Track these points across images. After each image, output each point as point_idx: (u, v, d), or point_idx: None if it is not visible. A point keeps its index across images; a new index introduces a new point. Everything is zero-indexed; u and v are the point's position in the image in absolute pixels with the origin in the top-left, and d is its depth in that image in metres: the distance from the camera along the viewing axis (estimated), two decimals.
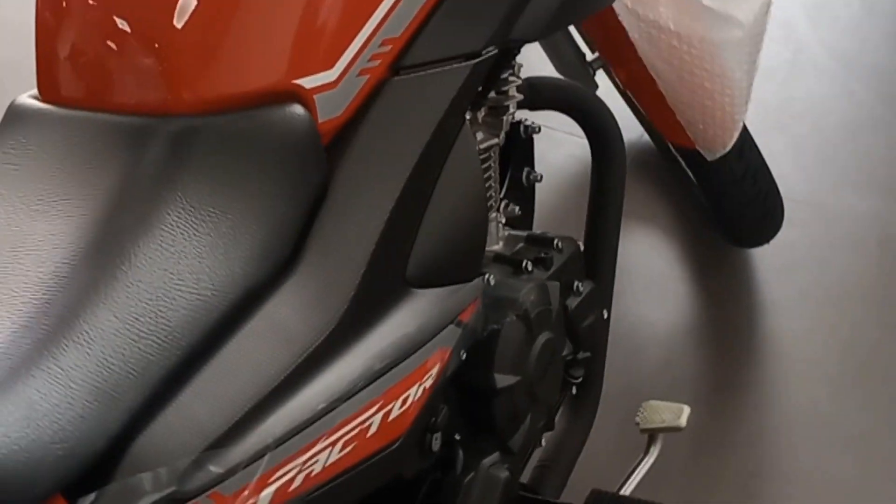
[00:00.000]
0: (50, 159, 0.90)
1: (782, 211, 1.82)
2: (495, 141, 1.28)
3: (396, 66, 1.01)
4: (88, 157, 0.90)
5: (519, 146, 1.43)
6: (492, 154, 1.31)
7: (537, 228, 1.41)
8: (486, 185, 1.30)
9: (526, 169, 1.43)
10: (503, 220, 1.36)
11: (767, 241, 1.84)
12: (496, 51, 1.10)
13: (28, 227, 0.85)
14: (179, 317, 0.82)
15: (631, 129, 1.79)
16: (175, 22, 0.91)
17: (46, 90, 0.97)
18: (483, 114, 1.28)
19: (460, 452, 1.13)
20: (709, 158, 1.58)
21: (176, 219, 0.86)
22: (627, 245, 2.01)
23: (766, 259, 1.90)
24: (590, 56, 1.77)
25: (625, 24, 1.44)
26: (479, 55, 1.07)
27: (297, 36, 0.94)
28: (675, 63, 1.45)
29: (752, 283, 1.91)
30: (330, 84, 0.96)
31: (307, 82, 0.95)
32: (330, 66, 0.96)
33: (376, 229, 0.97)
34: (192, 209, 0.87)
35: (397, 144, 1.01)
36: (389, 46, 1.00)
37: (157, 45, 0.92)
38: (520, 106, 1.39)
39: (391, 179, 1.00)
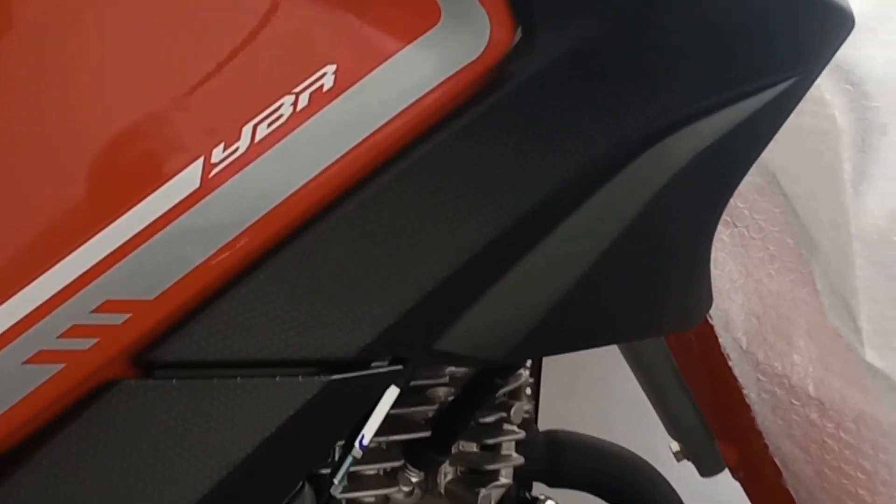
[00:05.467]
0: None
1: None
2: None
3: (147, 357, 0.51)
4: None
5: None
6: None
7: None
8: None
9: None
10: None
11: None
12: (398, 367, 0.58)
13: None
14: None
15: None
16: None
17: None
18: (447, 480, 0.77)
19: None
20: None
21: None
22: None
23: None
24: None
25: (737, 373, 0.90)
26: (342, 368, 0.55)
27: None
28: (813, 450, 0.89)
29: None
30: None
31: None
32: None
33: None
34: None
35: None
36: (125, 316, 0.50)
37: None
38: (531, 475, 0.87)
39: None
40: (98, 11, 0.50)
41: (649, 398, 1.21)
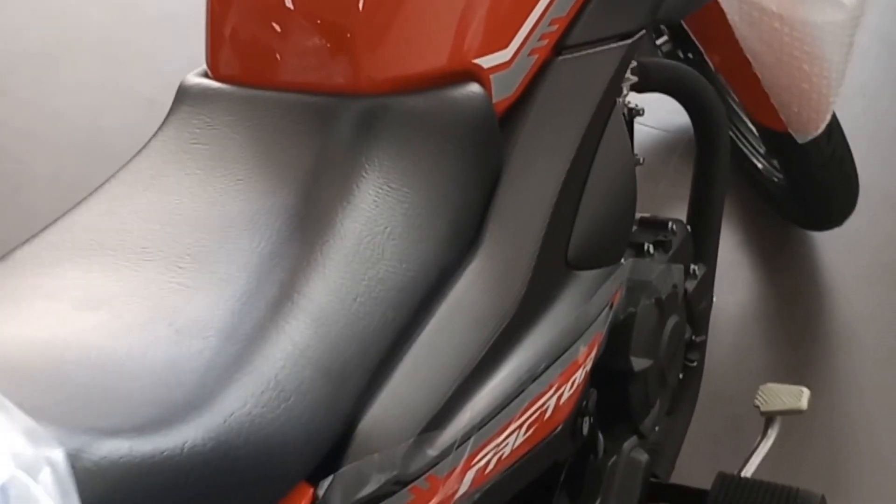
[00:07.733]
0: (239, 139, 0.89)
1: (857, 193, 1.82)
2: None
3: (560, 46, 1.01)
4: (277, 137, 0.88)
5: None
6: None
7: None
8: None
9: None
10: None
11: (840, 224, 1.84)
12: (644, 31, 1.09)
13: (232, 207, 0.84)
14: (389, 298, 0.81)
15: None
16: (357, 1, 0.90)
17: (220, 68, 0.95)
18: None
19: (600, 437, 1.12)
20: (800, 141, 1.57)
21: (375, 198, 0.85)
22: None
23: (830, 242, 1.91)
24: (660, 39, 1.77)
25: (724, 6, 1.44)
26: (634, 35, 1.06)
27: (477, 15, 0.94)
28: (776, 46, 1.44)
29: (818, 265, 1.91)
30: (504, 64, 0.95)
31: (485, 62, 0.94)
32: (505, 45, 0.95)
33: (545, 211, 0.96)
34: (389, 188, 0.86)
35: (561, 125, 1.01)
36: (556, 26, 0.99)
37: (339, 23, 0.91)
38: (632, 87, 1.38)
39: (557, 160, 0.99)
40: None
41: None
